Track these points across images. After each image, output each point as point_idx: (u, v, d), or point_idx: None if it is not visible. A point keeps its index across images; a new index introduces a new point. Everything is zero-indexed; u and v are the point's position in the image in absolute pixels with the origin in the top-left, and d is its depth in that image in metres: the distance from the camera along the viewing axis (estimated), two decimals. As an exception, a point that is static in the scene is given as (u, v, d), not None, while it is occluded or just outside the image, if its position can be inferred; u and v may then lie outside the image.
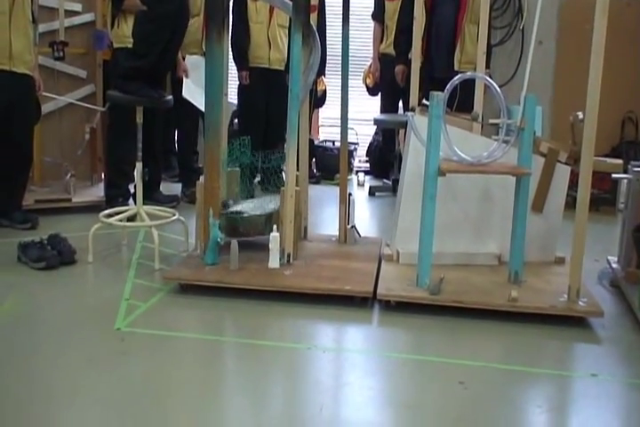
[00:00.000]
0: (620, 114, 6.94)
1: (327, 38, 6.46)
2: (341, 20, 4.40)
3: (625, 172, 4.77)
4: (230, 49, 5.11)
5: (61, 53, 5.36)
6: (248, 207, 4.15)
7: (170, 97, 4.39)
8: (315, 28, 4.30)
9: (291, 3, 3.98)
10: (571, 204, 3.83)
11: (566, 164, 4.01)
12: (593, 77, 3.32)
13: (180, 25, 4.28)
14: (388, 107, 6.66)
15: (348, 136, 4.59)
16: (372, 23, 6.90)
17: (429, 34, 5.66)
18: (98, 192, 5.47)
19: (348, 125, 4.52)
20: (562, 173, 4.02)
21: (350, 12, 4.44)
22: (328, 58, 6.45)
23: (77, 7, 5.53)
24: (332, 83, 6.69)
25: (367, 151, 7.31)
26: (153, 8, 4.12)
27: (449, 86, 3.67)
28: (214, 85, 3.79)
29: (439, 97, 3.56)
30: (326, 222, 5.05)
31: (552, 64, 6.63)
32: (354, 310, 3.53)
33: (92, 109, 5.59)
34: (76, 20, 5.53)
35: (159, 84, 4.60)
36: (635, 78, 5.56)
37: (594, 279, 4.09)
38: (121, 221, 4.29)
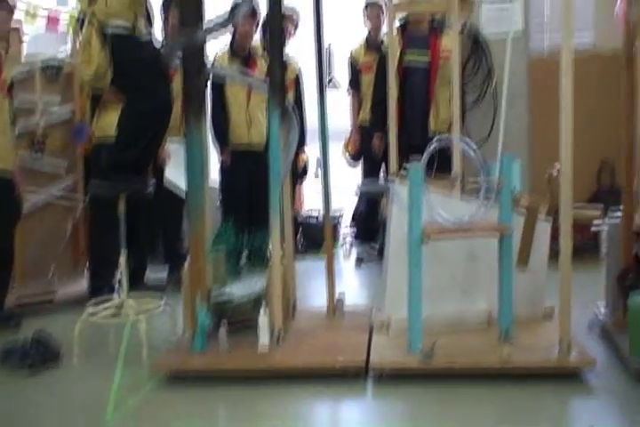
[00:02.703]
0: (595, 161, 7.07)
1: (306, 109, 6.60)
2: (318, 94, 4.52)
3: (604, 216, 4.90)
4: (210, 131, 5.24)
5: (41, 149, 5.40)
6: (234, 294, 4.12)
7: (152, 182, 4.46)
8: (293, 104, 4.41)
9: (266, 84, 4.10)
10: (556, 254, 3.90)
11: (547, 218, 4.11)
12: (564, 133, 3.45)
13: (165, 119, 4.35)
14: (369, 174, 6.79)
15: (332, 204, 4.70)
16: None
17: (403, 102, 5.82)
18: (82, 286, 5.42)
19: (332, 194, 4.63)
20: (543, 226, 4.10)
21: (327, 83, 4.56)
22: (308, 128, 6.55)
23: (56, 100, 5.59)
24: (314, 153, 6.83)
25: (352, 218, 7.40)
26: (139, 105, 4.19)
27: (426, 152, 3.79)
28: (195, 170, 3.85)
29: (417, 165, 3.66)
30: (315, 295, 5.06)
31: (526, 119, 6.75)
32: (348, 384, 3.52)
33: (74, 202, 5.62)
34: (55, 113, 5.60)
35: (142, 172, 4.65)
36: (606, 125, 5.71)
37: (584, 328, 4.14)
38: (107, 313, 4.22)
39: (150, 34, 4.70)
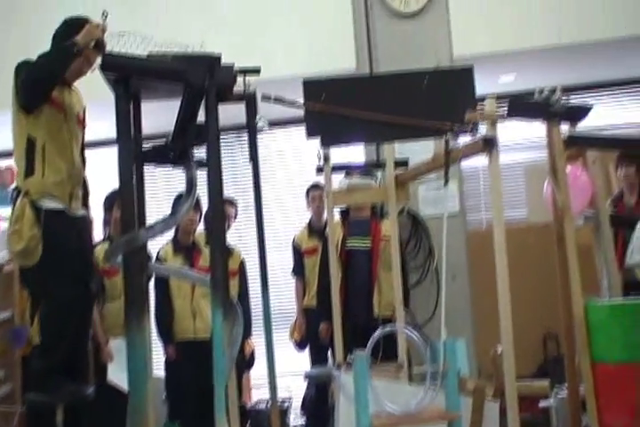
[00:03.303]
0: (540, 332, 7.19)
1: (252, 296, 6.63)
2: (260, 285, 4.57)
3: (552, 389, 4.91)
4: (154, 325, 5.21)
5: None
6: None
7: (93, 388, 4.36)
8: (237, 298, 4.43)
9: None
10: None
11: (494, 398, 4.11)
12: (503, 312, 3.54)
13: (88, 311, 4.30)
14: (317, 360, 6.74)
15: (281, 391, 4.64)
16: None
17: (347, 285, 5.94)
18: None
19: (281, 379, 4.56)
20: (491, 407, 4.09)
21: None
22: (254, 315, 6.54)
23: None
24: (260, 341, 6.81)
25: (302, 404, 7.29)
26: (59, 295, 4.13)
27: (370, 341, 3.82)
28: (138, 373, 3.76)
29: (362, 356, 3.67)
30: None
31: (468, 296, 6.86)
32: None
33: (12, 409, 5.42)
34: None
35: (81, 374, 4.57)
36: (548, 296, 5.87)
37: None
38: None
39: (85, 215, 4.69)
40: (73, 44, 4.08)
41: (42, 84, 4.22)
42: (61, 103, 4.39)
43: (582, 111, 4.03)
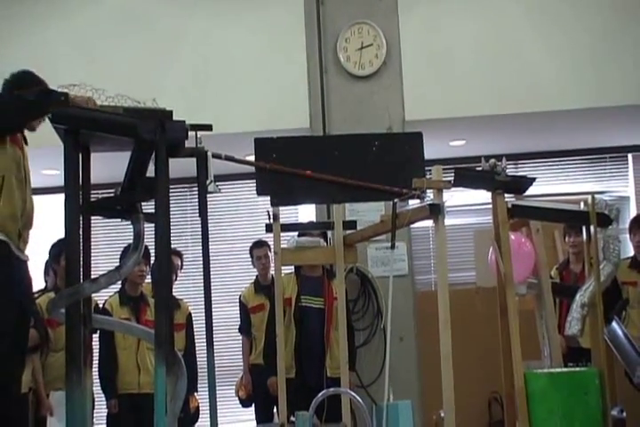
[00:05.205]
0: (485, 395, 7.19)
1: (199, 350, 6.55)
2: (206, 342, 4.52)
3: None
4: (97, 377, 5.11)
5: None
6: None
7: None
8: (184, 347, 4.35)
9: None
10: None
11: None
12: (445, 378, 3.55)
13: (18, 364, 4.16)
14: (263, 417, 6.68)
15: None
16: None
17: (300, 344, 5.92)
18: None
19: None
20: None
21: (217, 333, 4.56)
22: (200, 370, 6.46)
23: None
24: (205, 396, 6.73)
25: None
26: None
27: (313, 402, 3.79)
28: (76, 425, 3.68)
29: (304, 416, 3.66)
30: None
31: (415, 358, 6.85)
32: None
33: None
34: None
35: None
36: (494, 359, 5.92)
37: None
38: None
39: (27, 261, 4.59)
40: (61, 94, 3.98)
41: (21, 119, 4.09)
42: (20, 142, 4.30)
43: (526, 183, 4.10)
